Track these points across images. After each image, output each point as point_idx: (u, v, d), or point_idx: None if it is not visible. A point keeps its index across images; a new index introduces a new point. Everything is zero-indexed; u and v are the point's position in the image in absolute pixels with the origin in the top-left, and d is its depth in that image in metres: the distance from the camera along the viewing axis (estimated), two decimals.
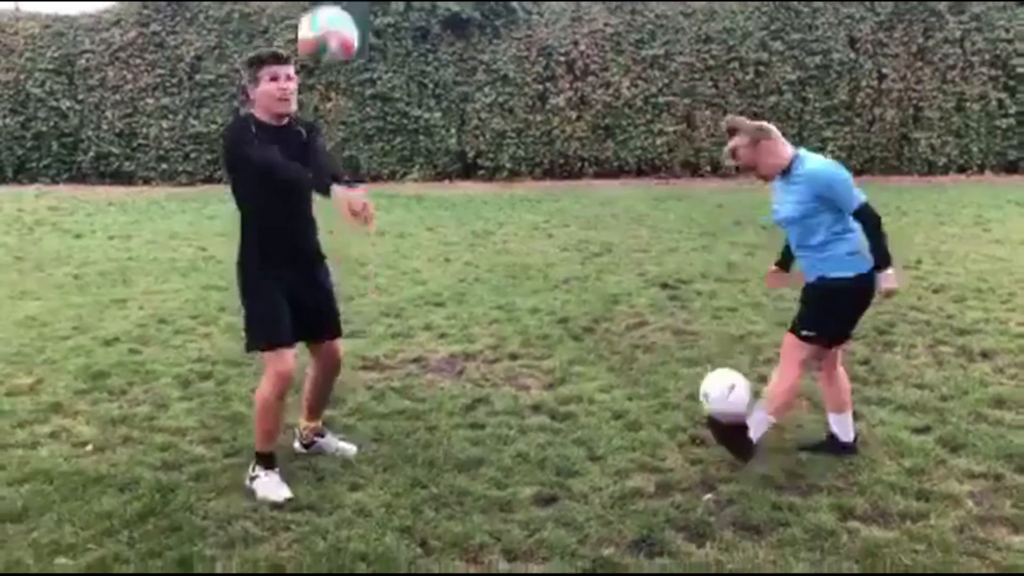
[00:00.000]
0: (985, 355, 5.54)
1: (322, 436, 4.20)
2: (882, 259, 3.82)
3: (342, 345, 4.13)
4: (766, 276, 4.40)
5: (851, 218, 3.85)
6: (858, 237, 3.89)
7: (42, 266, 8.99)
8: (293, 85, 3.76)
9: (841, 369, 4.17)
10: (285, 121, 3.79)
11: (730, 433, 3.91)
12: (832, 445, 4.09)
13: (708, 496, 3.66)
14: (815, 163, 3.90)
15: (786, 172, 3.90)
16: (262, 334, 3.76)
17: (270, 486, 3.72)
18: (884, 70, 16.11)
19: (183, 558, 3.18)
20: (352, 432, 4.43)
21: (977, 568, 3.09)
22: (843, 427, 4.10)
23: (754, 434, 3.89)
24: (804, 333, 3.92)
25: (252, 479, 3.79)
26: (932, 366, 5.35)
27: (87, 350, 5.91)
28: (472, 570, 3.13)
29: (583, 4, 16.32)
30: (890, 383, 5.03)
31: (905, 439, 4.20)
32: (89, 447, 4.26)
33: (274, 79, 3.71)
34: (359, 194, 3.48)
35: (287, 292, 3.79)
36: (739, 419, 3.90)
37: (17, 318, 6.80)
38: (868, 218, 3.81)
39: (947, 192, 14.05)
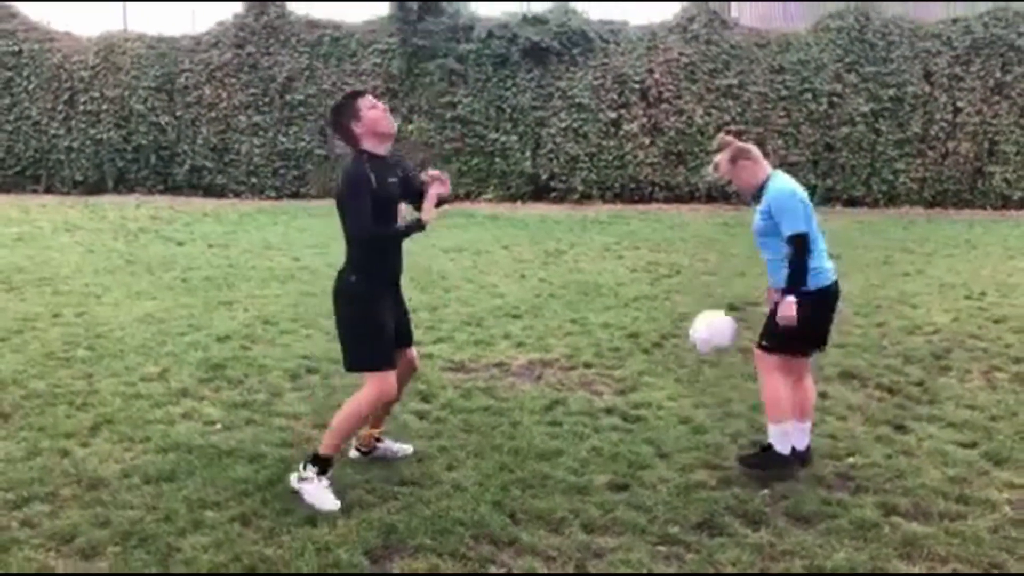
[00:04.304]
0: None
1: (381, 441, 4.46)
2: (789, 285, 4.17)
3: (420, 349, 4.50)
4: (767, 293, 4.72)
5: (813, 241, 4.21)
6: (817, 258, 4.24)
7: (151, 269, 9.78)
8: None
9: (809, 380, 4.50)
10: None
11: (765, 462, 4.28)
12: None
13: (764, 491, 4.09)
14: (778, 183, 4.34)
15: (761, 190, 4.39)
16: (381, 360, 4.00)
17: (321, 493, 3.88)
18: (959, 104, 16.21)
19: (310, 517, 3.76)
20: (444, 423, 4.97)
21: (1004, 561, 3.46)
22: (800, 435, 4.41)
23: (781, 448, 4.27)
24: (763, 343, 4.37)
25: (302, 479, 3.94)
26: (985, 389, 5.66)
27: (203, 345, 6.58)
28: (555, 539, 3.62)
29: (659, 34, 16.82)
30: (941, 403, 5.37)
31: (951, 452, 4.57)
32: (218, 426, 4.90)
33: (373, 107, 4.08)
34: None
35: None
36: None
37: (137, 315, 7.53)
38: (795, 248, 4.17)
39: (1021, 226, 14.08)
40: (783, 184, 4.35)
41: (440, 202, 4.24)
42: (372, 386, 4.01)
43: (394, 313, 4.16)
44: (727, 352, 4.52)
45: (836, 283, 4.38)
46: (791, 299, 4.16)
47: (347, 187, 4.03)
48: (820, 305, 4.28)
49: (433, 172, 4.24)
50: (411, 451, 4.51)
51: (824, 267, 4.30)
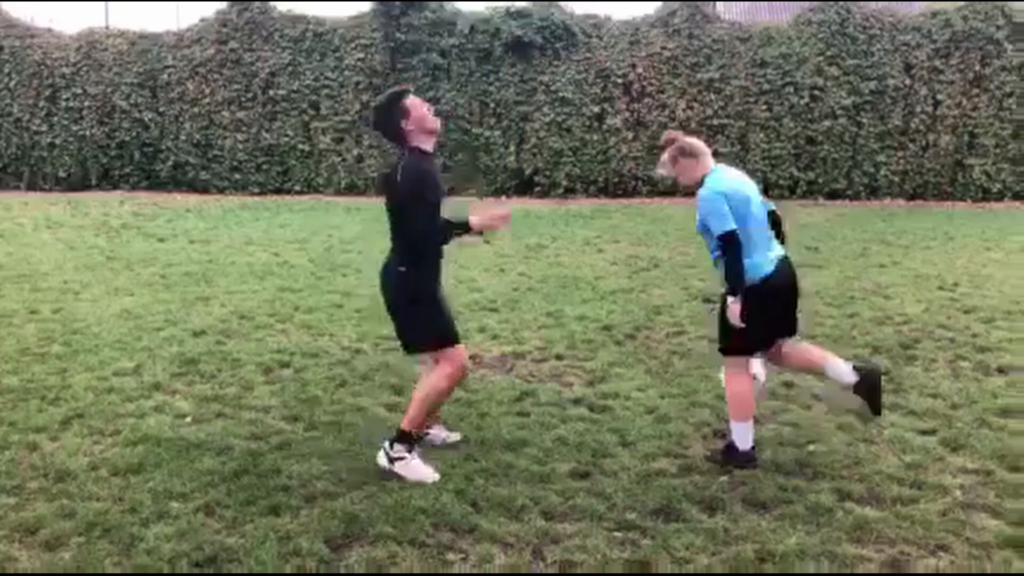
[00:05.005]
0: (1001, 371, 5.92)
1: (431, 427, 4.57)
2: (729, 285, 4.20)
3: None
4: None
5: (747, 238, 4.21)
6: (752, 254, 4.23)
7: (131, 266, 9.79)
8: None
9: (787, 349, 4.45)
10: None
11: (728, 459, 4.31)
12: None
13: (723, 478, 4.16)
14: (708, 185, 4.31)
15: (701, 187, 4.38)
16: (447, 334, 4.24)
17: (421, 469, 4.10)
18: (939, 96, 16.33)
19: (273, 506, 3.81)
20: None
21: (952, 543, 3.54)
22: (836, 370, 4.36)
23: (742, 443, 4.32)
24: (720, 347, 4.41)
25: (395, 460, 4.11)
26: (948, 378, 5.75)
27: (179, 340, 6.62)
28: (514, 526, 3.68)
29: (641, 28, 16.89)
30: (906, 391, 5.46)
31: (910, 439, 4.65)
32: (188, 419, 4.95)
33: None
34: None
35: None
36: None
37: (115, 311, 7.56)
38: (727, 247, 4.17)
39: (999, 219, 14.20)
40: (710, 186, 4.29)
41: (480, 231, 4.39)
42: (448, 361, 4.22)
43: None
44: None
45: (775, 275, 4.28)
46: (731, 300, 4.18)
47: (412, 185, 4.08)
48: (758, 300, 4.20)
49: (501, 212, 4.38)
50: (457, 438, 4.61)
51: (757, 262, 4.24)
